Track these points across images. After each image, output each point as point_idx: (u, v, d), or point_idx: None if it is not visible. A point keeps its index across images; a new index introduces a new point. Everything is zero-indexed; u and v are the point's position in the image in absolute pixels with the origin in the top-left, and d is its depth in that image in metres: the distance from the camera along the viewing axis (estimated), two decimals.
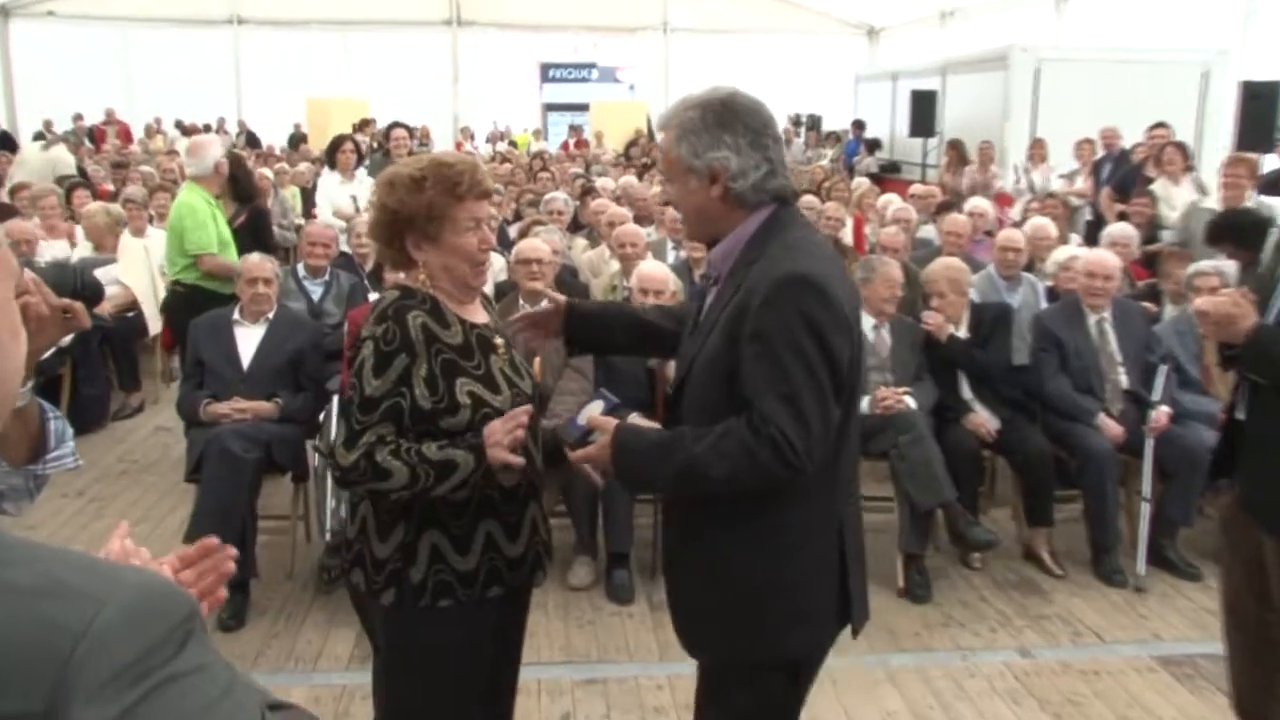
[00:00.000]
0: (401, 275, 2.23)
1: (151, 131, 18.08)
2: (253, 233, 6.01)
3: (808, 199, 8.08)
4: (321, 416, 4.58)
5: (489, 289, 5.24)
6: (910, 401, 4.49)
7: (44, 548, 0.76)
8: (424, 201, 2.06)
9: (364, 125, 15.46)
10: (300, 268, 5.39)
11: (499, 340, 2.21)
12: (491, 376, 2.14)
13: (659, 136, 2.00)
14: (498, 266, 5.68)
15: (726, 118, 1.89)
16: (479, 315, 2.22)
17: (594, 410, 2.02)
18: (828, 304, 1.77)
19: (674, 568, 2.07)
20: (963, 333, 4.79)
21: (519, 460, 2.02)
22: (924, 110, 13.78)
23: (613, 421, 1.92)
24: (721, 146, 1.88)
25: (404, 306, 2.08)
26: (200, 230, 5.34)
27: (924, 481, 4.22)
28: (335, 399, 4.42)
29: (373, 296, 5.43)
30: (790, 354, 1.75)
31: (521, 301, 4.24)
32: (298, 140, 16.54)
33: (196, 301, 5.30)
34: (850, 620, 1.99)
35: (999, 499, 5.09)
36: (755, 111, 1.91)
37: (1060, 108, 11.52)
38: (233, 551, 1.27)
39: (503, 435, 2.01)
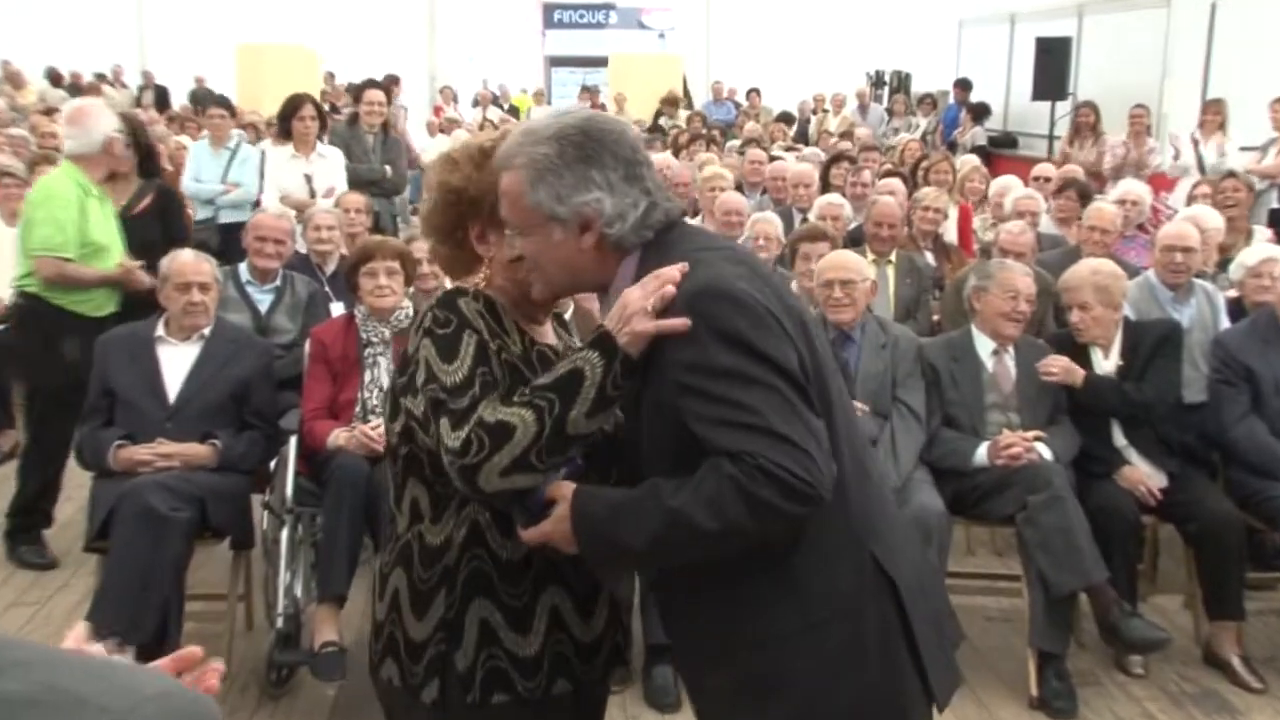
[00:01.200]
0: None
1: (15, 79, 17.33)
2: (161, 220, 6.07)
3: (889, 182, 8.11)
4: (273, 465, 4.65)
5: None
6: (1043, 450, 4.51)
7: (42, 649, 0.81)
8: (491, 178, 2.12)
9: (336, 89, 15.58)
10: (243, 270, 5.48)
11: None
12: None
13: (503, 175, 2.07)
14: None
15: (590, 150, 2.00)
16: (547, 335, 2.30)
17: (552, 479, 2.02)
18: (739, 308, 1.87)
19: (685, 670, 2.16)
20: (1112, 360, 4.81)
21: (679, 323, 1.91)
22: (1053, 64, 13.82)
23: (570, 486, 1.98)
24: (590, 187, 2.00)
25: (452, 296, 2.16)
26: (48, 226, 5.24)
27: (1063, 556, 4.23)
28: (293, 441, 4.49)
29: (337, 307, 5.53)
30: (725, 382, 1.84)
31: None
32: (205, 98, 16.23)
33: (45, 320, 5.32)
34: (933, 697, 2.04)
35: (1165, 581, 5.08)
36: (621, 136, 2.04)
37: (1243, 58, 11.48)
38: (219, 666, 1.31)
39: (639, 306, 1.93)
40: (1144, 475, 4.63)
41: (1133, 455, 4.72)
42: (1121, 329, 4.86)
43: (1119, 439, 4.75)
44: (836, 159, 9.61)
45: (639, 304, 1.94)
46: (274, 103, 9.48)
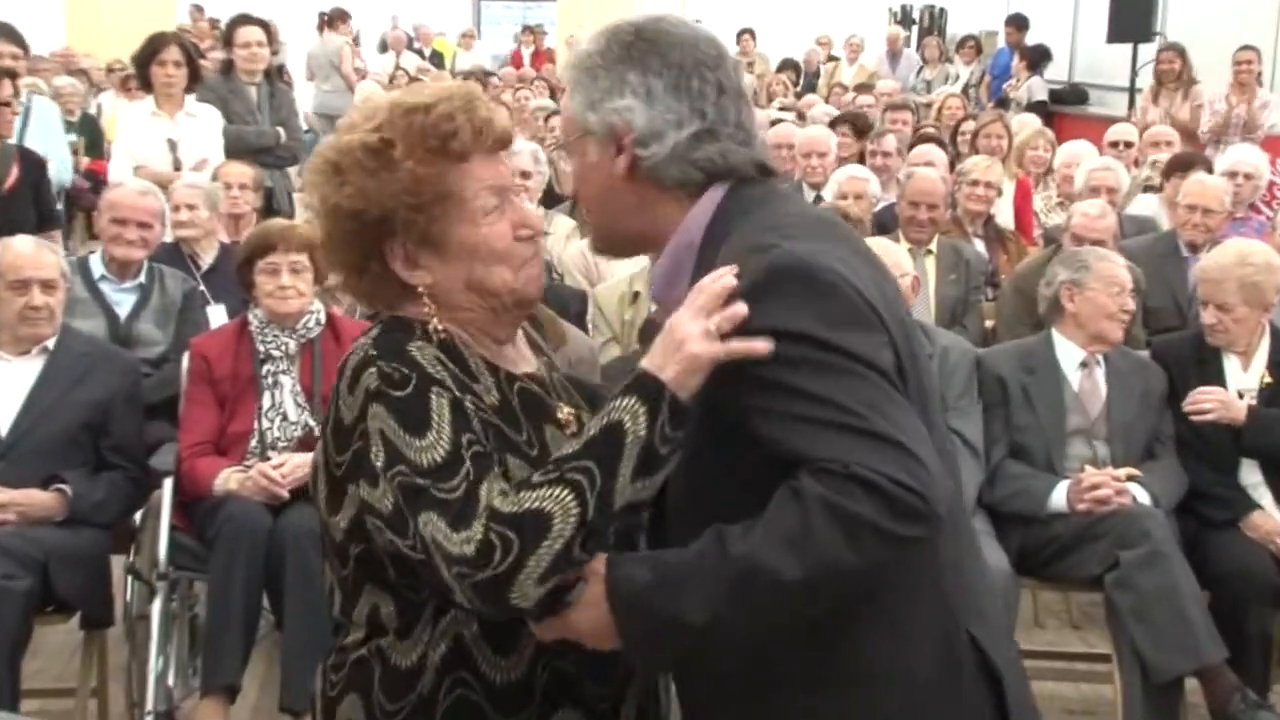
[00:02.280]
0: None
1: None
2: (34, 197, 6.09)
3: (926, 149, 8.17)
4: (140, 517, 4.62)
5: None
6: (1139, 493, 4.56)
7: None
8: (400, 182, 2.06)
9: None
10: (95, 262, 5.45)
11: (565, 409, 2.22)
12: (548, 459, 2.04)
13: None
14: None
15: (638, 50, 2.05)
16: (522, 362, 2.25)
17: None
18: (825, 290, 1.88)
19: None
20: (1254, 373, 4.87)
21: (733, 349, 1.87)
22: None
23: (599, 558, 1.92)
24: (625, 91, 2.04)
25: (394, 340, 2.07)
26: None
27: (1167, 630, 4.26)
28: (167, 485, 4.47)
29: (217, 313, 5.50)
30: (818, 373, 1.83)
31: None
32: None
33: None
34: None
35: None
36: (689, 43, 2.07)
37: None
38: None
39: (694, 328, 1.88)
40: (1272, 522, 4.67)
41: (1265, 497, 4.76)
42: (1267, 338, 4.92)
43: (1249, 476, 4.79)
44: (837, 121, 9.58)
45: (690, 327, 1.88)
46: (114, 44, 9.42)
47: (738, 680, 2.00)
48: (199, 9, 18.64)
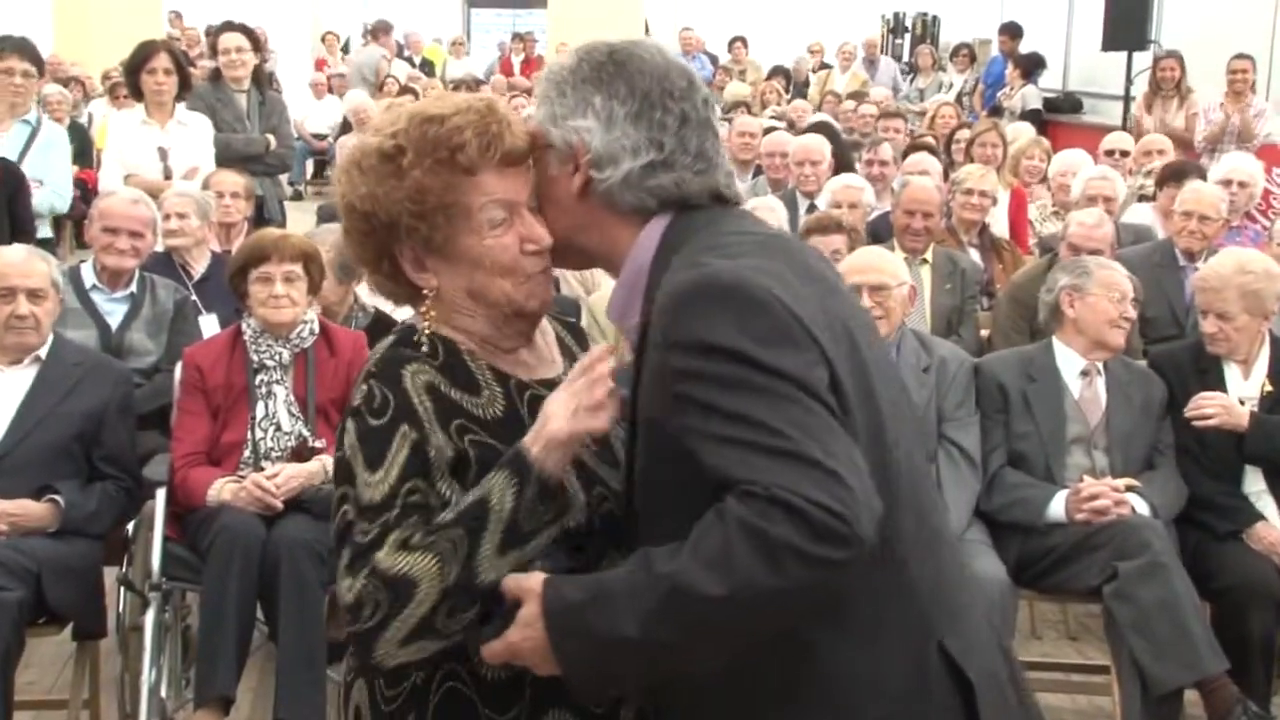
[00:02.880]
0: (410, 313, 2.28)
1: None
2: (9, 209, 6.06)
3: (920, 158, 8.18)
4: (133, 527, 4.61)
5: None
6: (1138, 503, 4.57)
7: None
8: (404, 190, 2.10)
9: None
10: (87, 273, 5.45)
11: None
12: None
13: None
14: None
15: (607, 72, 2.10)
16: (541, 367, 2.29)
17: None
18: (749, 307, 1.87)
19: None
20: (1254, 381, 4.88)
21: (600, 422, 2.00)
22: (1129, 4, 13.97)
23: (537, 578, 1.96)
24: (587, 112, 2.09)
25: (395, 357, 2.14)
26: None
27: (1166, 641, 4.26)
28: (160, 496, 4.47)
29: (209, 322, 5.50)
30: (742, 391, 1.83)
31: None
32: None
33: None
34: None
35: None
36: (659, 72, 2.11)
37: None
38: None
39: (565, 421, 2.00)
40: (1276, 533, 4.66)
41: (1269, 506, 4.77)
42: (1267, 346, 4.93)
43: (1252, 484, 4.81)
44: (815, 129, 9.49)
45: (557, 406, 2.02)
46: (102, 52, 9.36)
47: (714, 695, 2.00)
48: (177, 15, 18.59)
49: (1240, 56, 11.55)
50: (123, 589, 4.68)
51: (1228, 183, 7.06)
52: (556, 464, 2.00)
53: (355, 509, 2.04)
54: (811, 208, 7.57)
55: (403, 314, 5.72)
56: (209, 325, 5.61)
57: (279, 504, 4.31)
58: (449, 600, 1.95)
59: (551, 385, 2.19)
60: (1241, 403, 4.77)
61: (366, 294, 5.56)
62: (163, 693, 4.39)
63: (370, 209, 2.12)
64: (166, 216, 5.98)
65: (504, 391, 2.19)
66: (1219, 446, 4.77)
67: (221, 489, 4.39)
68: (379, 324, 5.37)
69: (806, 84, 17.75)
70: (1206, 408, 4.69)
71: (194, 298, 5.77)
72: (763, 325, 1.86)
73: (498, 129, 2.12)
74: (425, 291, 2.18)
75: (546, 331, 2.36)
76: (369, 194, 2.12)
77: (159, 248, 5.96)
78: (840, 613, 1.90)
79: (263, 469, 4.45)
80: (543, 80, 2.16)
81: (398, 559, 1.96)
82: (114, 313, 5.40)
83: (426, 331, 2.18)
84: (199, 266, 5.99)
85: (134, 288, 5.46)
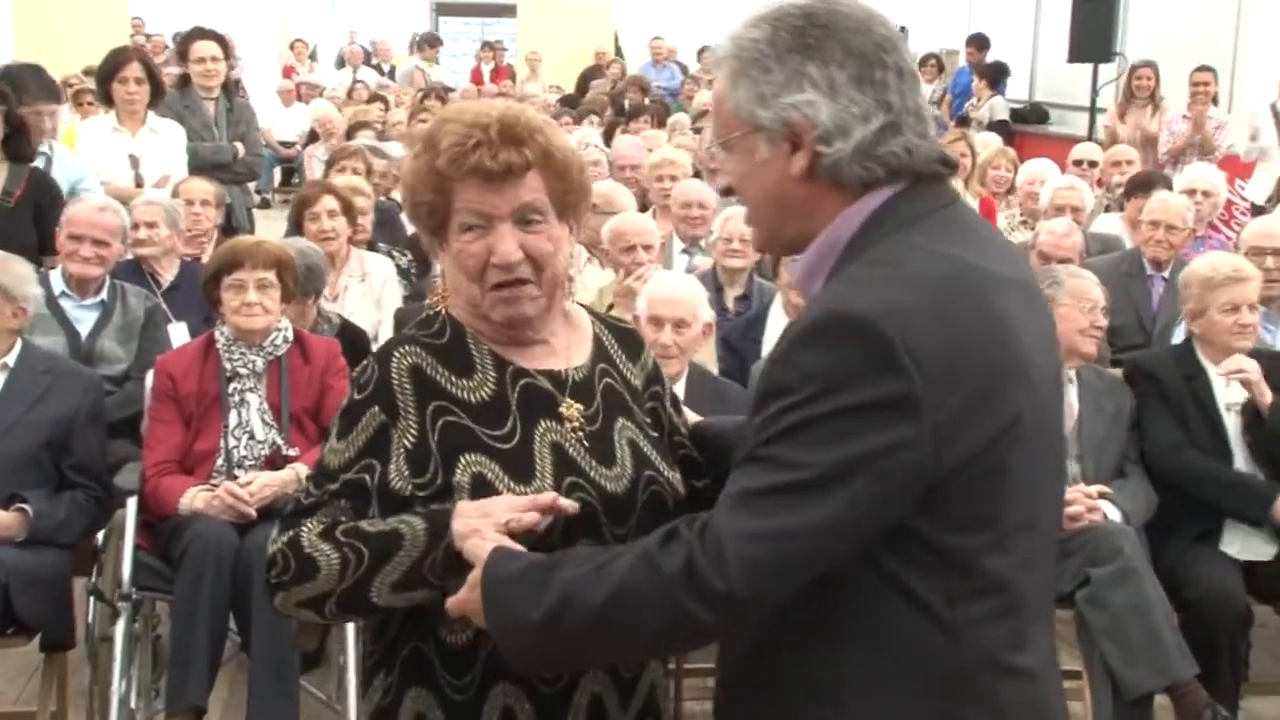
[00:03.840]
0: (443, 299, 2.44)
1: None
2: (36, 218, 6.05)
3: None
4: (103, 536, 4.59)
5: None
6: (1109, 510, 4.60)
7: None
8: (419, 174, 2.27)
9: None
10: (55, 278, 5.43)
11: (573, 406, 2.33)
12: (525, 455, 2.25)
13: (714, 78, 2.12)
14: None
15: (813, 37, 1.92)
16: (550, 358, 2.37)
17: None
18: (880, 354, 1.77)
19: None
20: (1236, 388, 4.84)
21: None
22: (1097, 14, 14.09)
23: (489, 544, 2.04)
24: (804, 85, 1.92)
25: (399, 339, 2.31)
26: None
27: (1138, 646, 4.29)
28: (131, 504, 4.45)
29: (178, 330, 5.49)
30: (784, 428, 1.80)
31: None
32: None
33: None
34: None
35: (1260, 677, 5.12)
36: (864, 25, 1.94)
37: None
38: None
39: (499, 516, 2.10)
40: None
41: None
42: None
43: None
44: None
45: (481, 519, 2.08)
46: (64, 56, 9.28)
47: (736, 688, 2.04)
48: (140, 21, 18.52)
49: (1202, 68, 11.64)
50: (92, 599, 4.66)
51: (1191, 192, 7.13)
52: (468, 550, 2.07)
53: (315, 468, 2.29)
54: None
55: (366, 322, 5.83)
56: (178, 333, 5.58)
57: (253, 512, 4.30)
58: (339, 598, 2.17)
59: (552, 376, 2.33)
60: (1228, 409, 4.84)
61: (326, 304, 5.65)
62: (132, 703, 4.38)
63: (409, 184, 2.33)
64: (135, 225, 5.93)
65: (498, 377, 2.29)
66: (1209, 440, 4.82)
67: (194, 498, 4.37)
68: (346, 332, 5.39)
69: None
70: (1245, 367, 4.71)
71: (163, 305, 5.74)
72: (880, 362, 1.77)
73: (480, 145, 2.20)
74: (437, 273, 2.35)
75: (579, 326, 2.45)
76: (410, 170, 2.33)
77: (130, 254, 5.96)
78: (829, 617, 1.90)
79: (236, 478, 4.43)
80: (731, 58, 1.97)
81: (315, 543, 2.17)
82: (84, 320, 5.38)
83: (441, 311, 2.35)
84: (168, 275, 5.97)
85: (104, 295, 5.44)
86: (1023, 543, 1.89)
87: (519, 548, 2.03)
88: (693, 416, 2.57)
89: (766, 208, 2.02)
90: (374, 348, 5.42)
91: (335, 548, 2.15)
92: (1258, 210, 9.02)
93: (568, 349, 2.38)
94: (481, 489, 2.19)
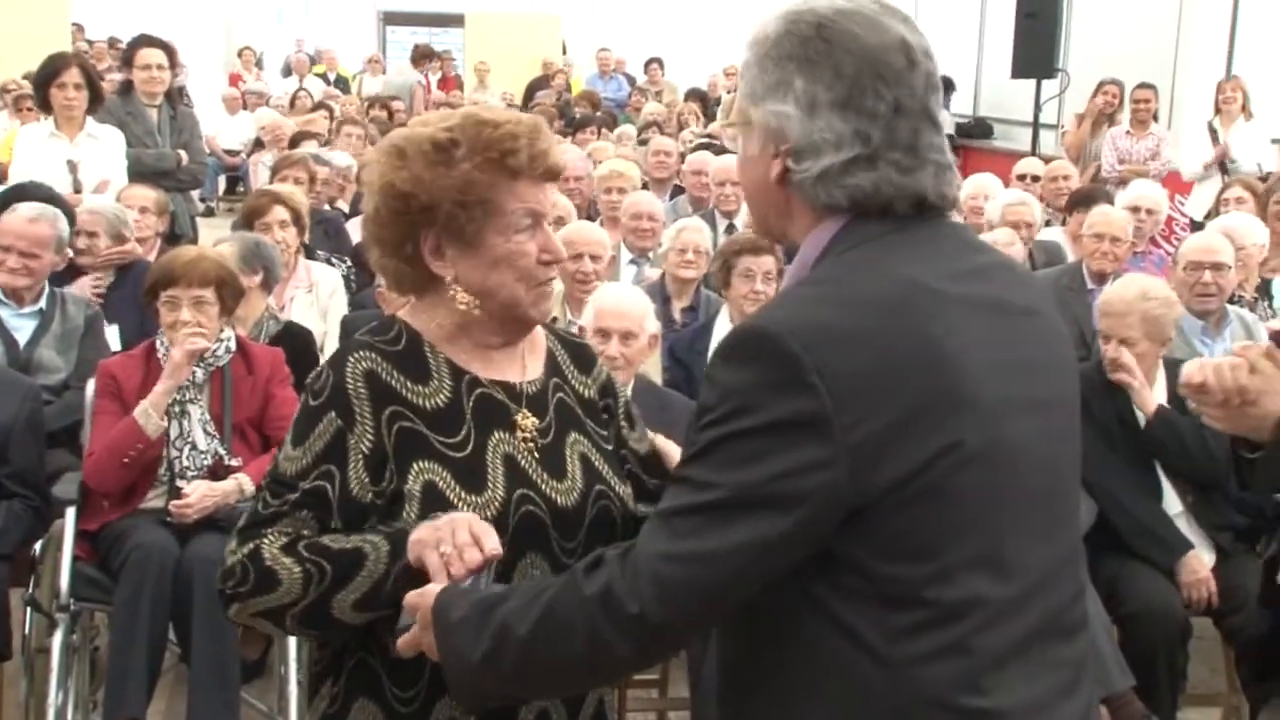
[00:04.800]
0: (403, 307, 2.40)
1: None
2: None
3: None
4: (40, 547, 4.56)
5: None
6: None
7: None
8: (456, 180, 2.24)
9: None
10: None
11: (528, 418, 2.36)
12: (478, 465, 2.27)
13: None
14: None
15: (814, 50, 1.88)
16: (507, 370, 2.39)
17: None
18: (787, 371, 1.74)
19: None
20: (1153, 408, 4.87)
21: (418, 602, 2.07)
22: (1040, 31, 14.22)
23: (432, 592, 2.04)
24: (787, 96, 1.89)
25: (355, 344, 2.31)
26: None
27: None
28: (70, 515, 4.41)
29: (111, 333, 5.44)
30: (700, 448, 1.80)
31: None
32: None
33: None
34: None
35: (1197, 687, 5.17)
36: (872, 51, 1.88)
37: (1276, 28, 11.88)
38: None
39: (449, 538, 2.11)
40: (1204, 563, 4.69)
41: (1188, 528, 4.80)
42: (1163, 368, 4.94)
43: (1172, 505, 4.84)
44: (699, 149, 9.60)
45: (439, 534, 2.10)
46: (6, 63, 9.16)
47: (723, 687, 2.02)
48: (80, 28, 18.35)
49: (1143, 86, 11.84)
50: (29, 609, 4.60)
51: (1135, 209, 7.23)
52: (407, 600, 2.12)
53: (270, 476, 2.26)
54: (730, 228, 7.60)
55: (309, 325, 5.79)
56: (111, 336, 5.57)
57: (192, 514, 4.29)
58: (300, 612, 2.18)
59: (507, 388, 2.36)
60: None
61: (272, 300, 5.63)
62: (69, 716, 4.32)
63: (411, 190, 2.25)
64: (77, 234, 5.91)
65: (454, 385, 2.31)
66: (1140, 464, 4.83)
67: (146, 410, 4.36)
68: (289, 333, 5.35)
69: (718, 103, 17.84)
70: (1125, 369, 4.75)
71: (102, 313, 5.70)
72: (771, 376, 1.76)
73: (544, 146, 2.30)
74: (445, 279, 2.30)
75: (534, 339, 2.47)
76: (414, 177, 2.25)
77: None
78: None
79: (179, 488, 4.40)
80: (748, 46, 1.96)
81: (277, 556, 2.17)
82: (21, 328, 5.33)
83: (396, 317, 2.36)
84: (105, 278, 5.98)
85: (43, 303, 5.39)
86: (977, 578, 1.80)
87: (460, 591, 2.04)
88: (660, 440, 2.59)
89: (753, 199, 2.05)
90: (322, 358, 5.44)
91: (298, 562, 2.16)
92: (1196, 226, 9.13)
93: (524, 361, 2.42)
94: (432, 497, 2.21)
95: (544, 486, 2.30)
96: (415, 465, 2.23)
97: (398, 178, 2.26)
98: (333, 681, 2.29)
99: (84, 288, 5.81)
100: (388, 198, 2.27)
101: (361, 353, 2.27)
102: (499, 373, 2.36)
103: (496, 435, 2.31)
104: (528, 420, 2.35)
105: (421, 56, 18.79)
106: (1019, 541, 1.85)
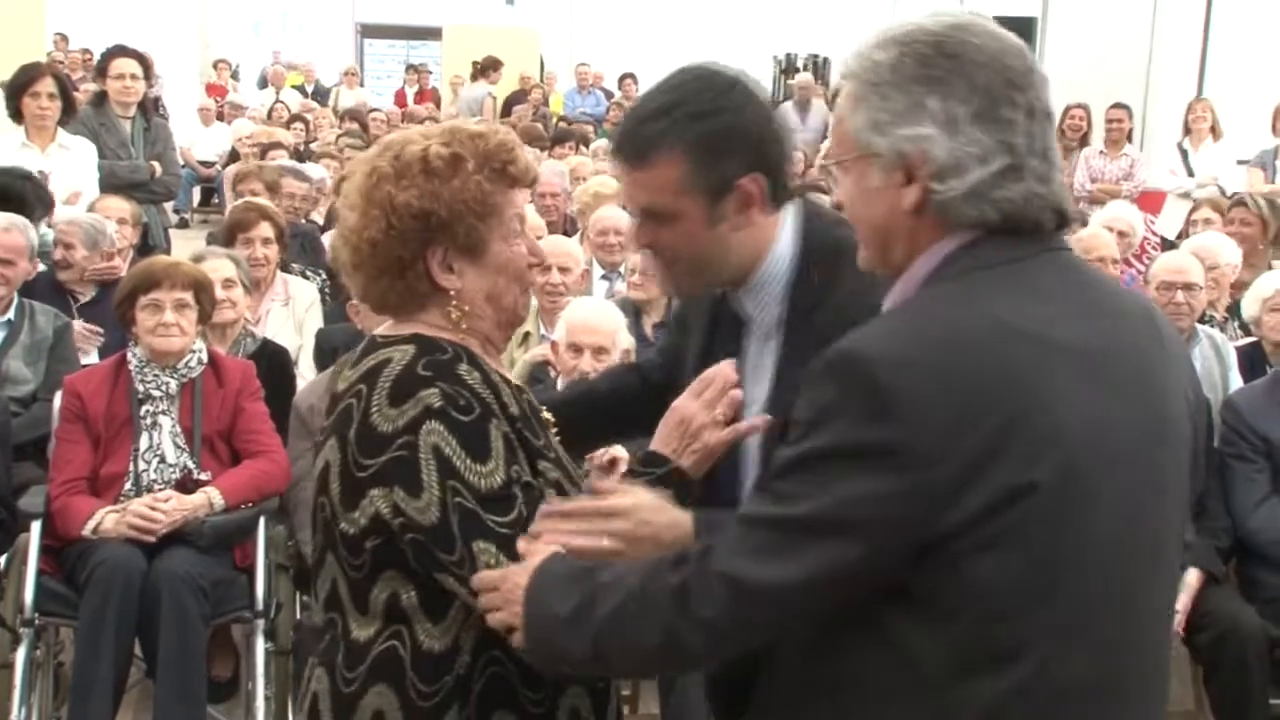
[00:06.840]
0: (385, 325, 2.41)
1: None
2: None
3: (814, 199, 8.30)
4: (3, 561, 4.53)
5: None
6: None
7: None
8: (473, 191, 2.29)
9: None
10: None
11: (547, 413, 2.51)
12: (564, 462, 2.43)
13: (838, 87, 2.08)
14: None
15: (940, 68, 1.86)
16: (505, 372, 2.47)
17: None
18: (873, 398, 1.74)
19: None
20: None
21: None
22: None
23: (549, 549, 2.08)
24: (923, 118, 1.85)
25: (442, 363, 2.26)
26: None
27: None
28: (35, 528, 4.37)
29: (86, 355, 5.42)
30: (787, 461, 1.83)
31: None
32: None
33: None
34: None
35: (1171, 705, 5.19)
36: (996, 58, 1.87)
37: (1245, 51, 11.96)
38: None
39: (707, 409, 2.31)
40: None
41: None
42: None
43: None
44: None
45: (704, 418, 2.27)
46: None
47: (770, 695, 2.05)
48: (63, 37, 18.32)
49: (1117, 106, 11.96)
50: None
51: (1109, 229, 7.24)
52: (697, 471, 2.32)
53: (475, 501, 2.19)
54: None
55: (288, 347, 5.76)
56: (91, 360, 5.54)
57: (159, 527, 4.25)
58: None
59: (518, 386, 2.46)
60: None
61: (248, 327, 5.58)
62: None
63: (430, 207, 2.27)
64: (55, 244, 5.93)
65: (512, 392, 2.36)
66: None
67: (102, 519, 4.30)
68: (265, 352, 5.33)
69: None
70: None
71: (78, 322, 5.69)
72: (871, 404, 1.75)
73: (525, 154, 2.40)
74: (450, 292, 2.33)
75: None
76: (427, 193, 2.26)
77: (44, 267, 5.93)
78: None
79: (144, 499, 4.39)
80: (853, 78, 1.91)
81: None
82: None
83: (459, 331, 2.35)
84: (86, 292, 5.96)
85: (11, 314, 5.37)
86: (1045, 632, 1.77)
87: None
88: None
89: (874, 233, 1.98)
90: (296, 372, 5.45)
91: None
92: (1168, 245, 9.16)
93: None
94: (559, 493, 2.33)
95: (575, 474, 2.44)
96: (541, 466, 2.33)
97: (409, 197, 2.27)
98: (459, 707, 2.26)
99: (84, 338, 5.75)
100: (404, 218, 2.27)
101: (464, 365, 2.27)
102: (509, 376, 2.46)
103: (545, 436, 2.41)
104: (547, 414, 2.49)
105: (486, 67, 18.72)
106: (1099, 595, 1.82)
